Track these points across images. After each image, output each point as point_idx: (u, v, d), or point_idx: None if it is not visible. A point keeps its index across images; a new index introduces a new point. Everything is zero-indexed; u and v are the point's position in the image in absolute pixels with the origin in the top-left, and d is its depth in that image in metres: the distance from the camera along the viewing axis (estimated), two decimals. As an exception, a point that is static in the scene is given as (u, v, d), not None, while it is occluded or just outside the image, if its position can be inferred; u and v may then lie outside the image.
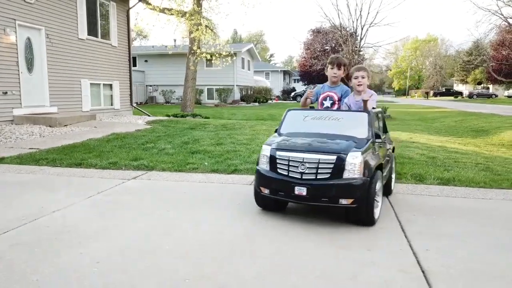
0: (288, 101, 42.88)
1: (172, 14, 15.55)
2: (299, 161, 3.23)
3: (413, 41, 71.32)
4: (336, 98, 4.08)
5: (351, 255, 2.79)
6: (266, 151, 3.48)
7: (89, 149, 7.08)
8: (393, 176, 4.51)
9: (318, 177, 3.17)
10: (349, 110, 3.92)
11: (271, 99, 40.11)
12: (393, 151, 4.60)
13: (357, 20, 26.06)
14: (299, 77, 52.29)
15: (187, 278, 2.43)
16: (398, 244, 3.03)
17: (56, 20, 11.54)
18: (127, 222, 3.47)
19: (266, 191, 3.46)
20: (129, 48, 15.27)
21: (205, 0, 16.36)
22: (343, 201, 3.15)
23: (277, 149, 3.40)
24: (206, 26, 16.42)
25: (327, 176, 3.15)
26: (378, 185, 3.38)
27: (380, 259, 2.74)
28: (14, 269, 2.52)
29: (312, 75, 42.21)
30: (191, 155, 6.64)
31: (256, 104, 33.05)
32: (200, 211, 3.80)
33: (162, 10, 15.39)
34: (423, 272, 2.55)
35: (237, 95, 32.19)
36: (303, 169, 3.20)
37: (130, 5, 14.90)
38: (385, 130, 4.27)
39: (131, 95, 16.11)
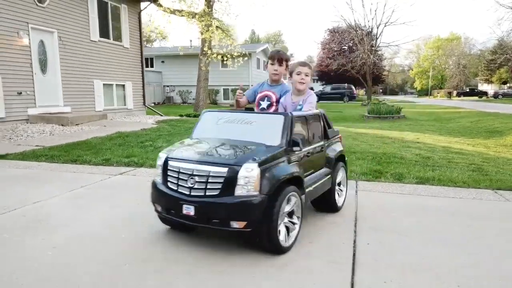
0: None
1: (183, 16, 15.91)
2: (188, 174, 2.74)
3: (435, 39, 69.71)
4: (274, 98, 3.58)
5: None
6: (160, 160, 3.00)
7: (89, 147, 7.43)
8: (343, 189, 3.97)
9: (207, 194, 2.66)
10: (268, 112, 3.49)
11: (288, 99, 40.05)
12: (340, 159, 3.87)
13: (372, 19, 25.85)
14: (317, 77, 52.11)
15: (128, 263, 2.63)
16: (344, 238, 3.14)
17: (68, 23, 12.05)
18: (96, 213, 3.72)
19: (159, 208, 3.01)
20: (141, 50, 15.72)
21: (216, 2, 16.65)
22: (235, 224, 2.63)
23: (171, 158, 2.92)
24: (217, 27, 16.69)
25: (217, 192, 2.64)
26: (292, 203, 2.87)
27: (317, 251, 2.87)
28: (-21, 251, 2.79)
29: (330, 75, 42.03)
30: (183, 153, 6.89)
31: (272, 104, 33.19)
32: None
33: (173, 12, 15.79)
34: (353, 263, 2.67)
35: (253, 95, 32.39)
36: (192, 184, 2.71)
37: (142, 7, 15.36)
38: (326, 136, 3.65)
39: (144, 95, 16.57)
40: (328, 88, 39.38)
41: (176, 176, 2.82)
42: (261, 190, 2.61)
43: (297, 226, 2.95)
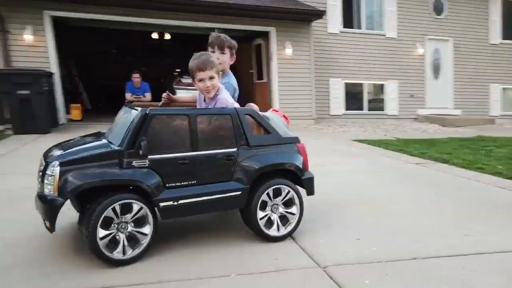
0: None
1: None
2: None
3: None
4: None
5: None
6: None
7: (428, 142, 8.19)
8: (292, 214, 2.95)
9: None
10: (133, 108, 2.87)
11: None
12: (284, 175, 2.96)
13: None
14: None
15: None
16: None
17: (464, 30, 12.58)
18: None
19: None
20: None
21: None
22: (47, 223, 2.54)
23: None
24: None
25: (41, 186, 2.60)
26: (135, 211, 2.52)
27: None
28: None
29: None
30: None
31: None
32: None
33: None
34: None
35: None
36: None
37: None
38: (246, 142, 2.82)
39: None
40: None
41: None
42: (61, 193, 2.40)
43: (146, 238, 2.57)
